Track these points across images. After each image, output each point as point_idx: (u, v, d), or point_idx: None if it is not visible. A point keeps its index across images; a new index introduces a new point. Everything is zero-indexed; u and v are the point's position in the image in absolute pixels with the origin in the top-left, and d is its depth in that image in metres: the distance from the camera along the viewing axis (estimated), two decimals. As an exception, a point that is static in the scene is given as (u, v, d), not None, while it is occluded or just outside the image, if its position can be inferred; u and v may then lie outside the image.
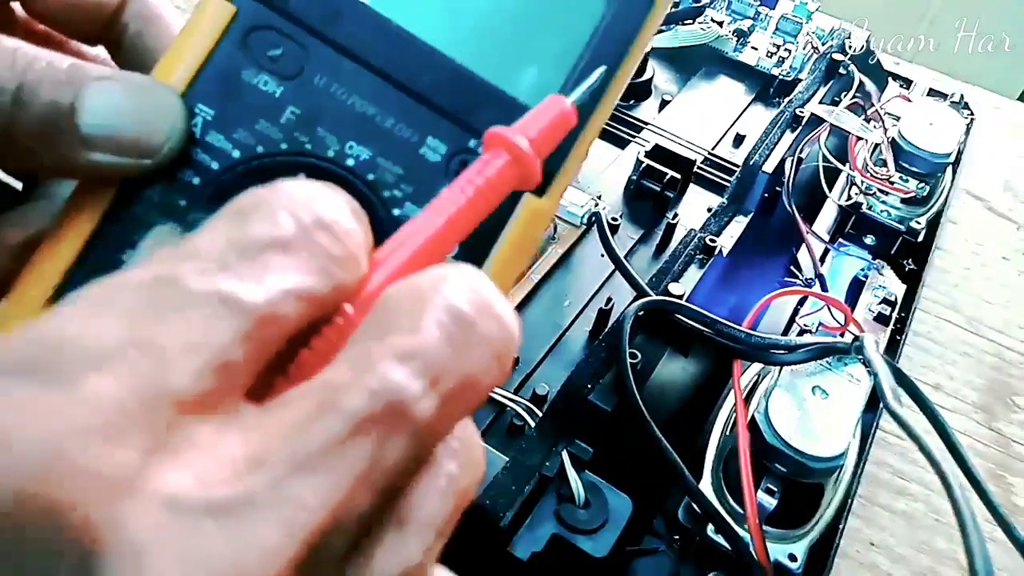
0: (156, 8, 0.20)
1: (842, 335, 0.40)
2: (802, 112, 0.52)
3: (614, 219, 0.45)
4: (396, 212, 0.18)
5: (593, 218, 0.44)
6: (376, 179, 0.18)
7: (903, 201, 0.52)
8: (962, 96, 0.62)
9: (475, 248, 0.18)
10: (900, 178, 0.52)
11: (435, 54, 0.18)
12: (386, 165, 0.18)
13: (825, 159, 0.51)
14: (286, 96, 0.18)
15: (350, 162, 0.18)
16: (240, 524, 0.11)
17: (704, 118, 0.57)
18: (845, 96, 0.56)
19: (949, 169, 0.54)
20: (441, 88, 0.18)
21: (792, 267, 0.49)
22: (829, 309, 0.43)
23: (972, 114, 0.61)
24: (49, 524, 0.10)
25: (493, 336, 0.13)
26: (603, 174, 0.50)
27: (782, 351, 0.36)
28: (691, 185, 0.50)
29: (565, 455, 0.32)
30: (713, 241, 0.43)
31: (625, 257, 0.42)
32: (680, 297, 0.38)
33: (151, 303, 0.12)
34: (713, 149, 0.54)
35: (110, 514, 0.10)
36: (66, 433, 0.10)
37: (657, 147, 0.49)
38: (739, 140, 0.55)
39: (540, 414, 0.35)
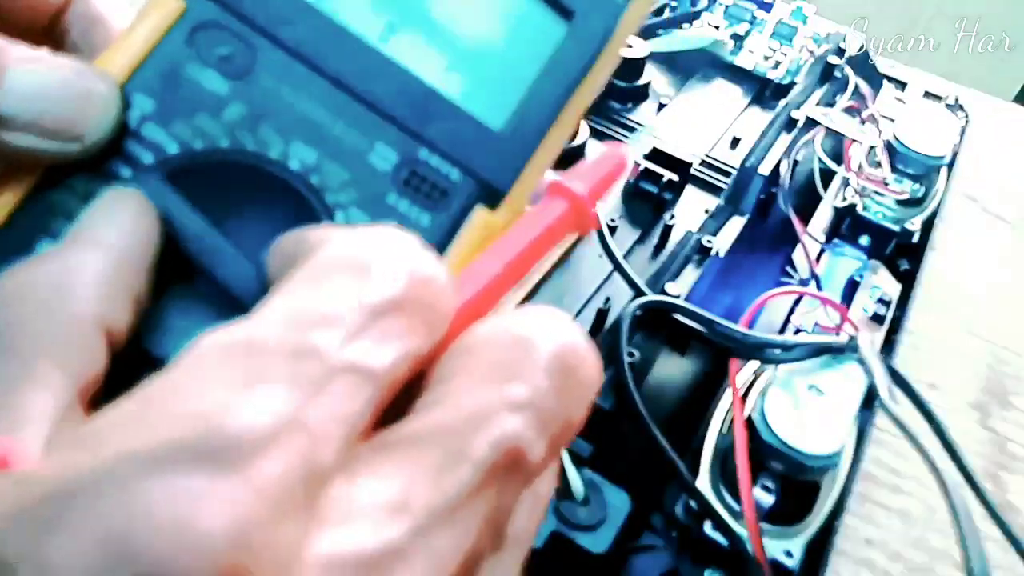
0: (100, 10, 0.20)
1: (838, 334, 0.41)
2: (797, 115, 0.53)
3: (612, 220, 0.45)
4: (340, 217, 0.17)
5: (591, 220, 0.44)
6: (320, 183, 0.17)
7: (898, 202, 0.52)
8: (957, 98, 0.62)
9: None
10: (895, 179, 0.53)
11: (389, 63, 0.18)
12: (332, 169, 0.17)
13: (820, 161, 0.52)
14: (231, 94, 0.17)
15: (294, 164, 0.17)
16: (387, 574, 0.11)
17: (701, 121, 0.57)
18: (840, 99, 0.56)
19: (944, 170, 0.55)
20: (394, 98, 0.18)
21: (788, 267, 0.50)
22: (824, 309, 0.44)
23: (967, 116, 0.62)
24: None
25: (589, 381, 0.14)
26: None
27: (778, 350, 0.37)
28: (688, 187, 0.50)
29: (564, 452, 0.32)
30: (710, 242, 0.44)
31: (623, 258, 0.42)
32: (677, 297, 0.39)
33: (296, 379, 0.12)
34: (710, 151, 0.54)
35: None
36: (245, 521, 0.11)
37: (655, 150, 0.50)
38: (735, 143, 0.55)
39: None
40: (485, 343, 0.14)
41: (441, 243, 0.18)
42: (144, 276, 0.15)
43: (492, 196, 0.18)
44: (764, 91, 0.61)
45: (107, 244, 0.15)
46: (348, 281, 0.13)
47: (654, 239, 0.46)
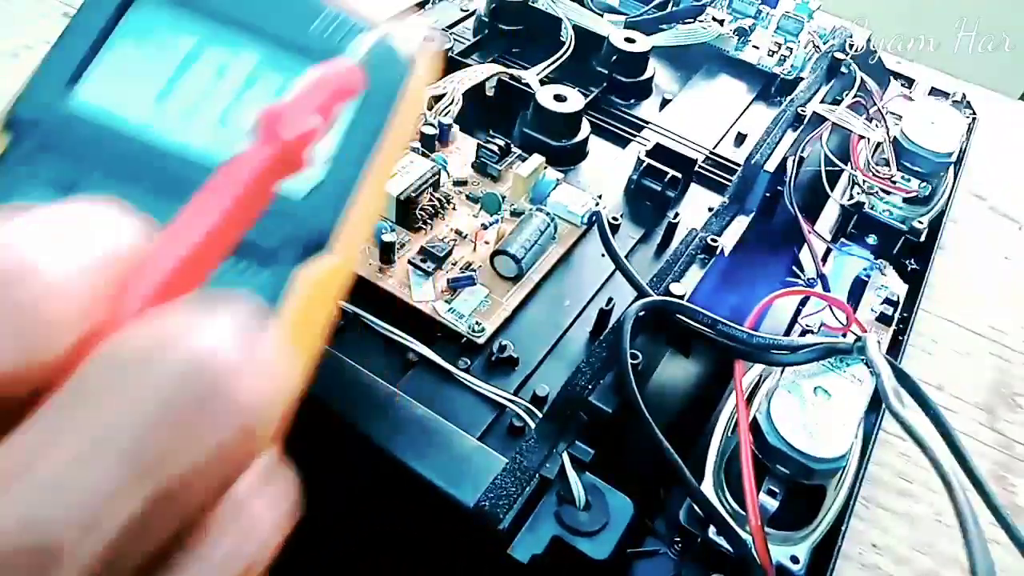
0: None
1: (844, 335, 0.40)
2: (804, 111, 0.52)
3: (615, 219, 0.44)
4: None
5: (594, 218, 0.44)
6: None
7: (905, 201, 0.52)
8: (964, 95, 0.62)
9: None
10: (902, 177, 0.52)
11: (198, 164, 0.20)
12: None
13: (827, 158, 0.51)
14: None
15: None
16: None
17: (705, 117, 0.56)
18: (847, 95, 0.55)
19: (951, 169, 0.54)
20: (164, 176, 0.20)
21: (794, 267, 0.49)
22: (831, 309, 0.43)
23: (974, 113, 0.61)
24: None
25: (224, 427, 0.10)
26: (604, 173, 0.50)
27: (784, 351, 0.36)
28: (692, 184, 0.50)
29: (565, 456, 0.32)
30: (714, 241, 0.43)
31: (626, 257, 0.42)
32: (681, 297, 0.38)
33: None
34: (714, 148, 0.53)
35: None
36: None
37: (658, 146, 0.49)
38: (740, 139, 0.54)
39: (540, 415, 0.34)
40: (93, 362, 0.10)
41: (274, 299, 0.20)
42: None
43: (317, 247, 0.20)
44: (769, 87, 0.60)
45: None
46: None
47: (657, 238, 0.45)
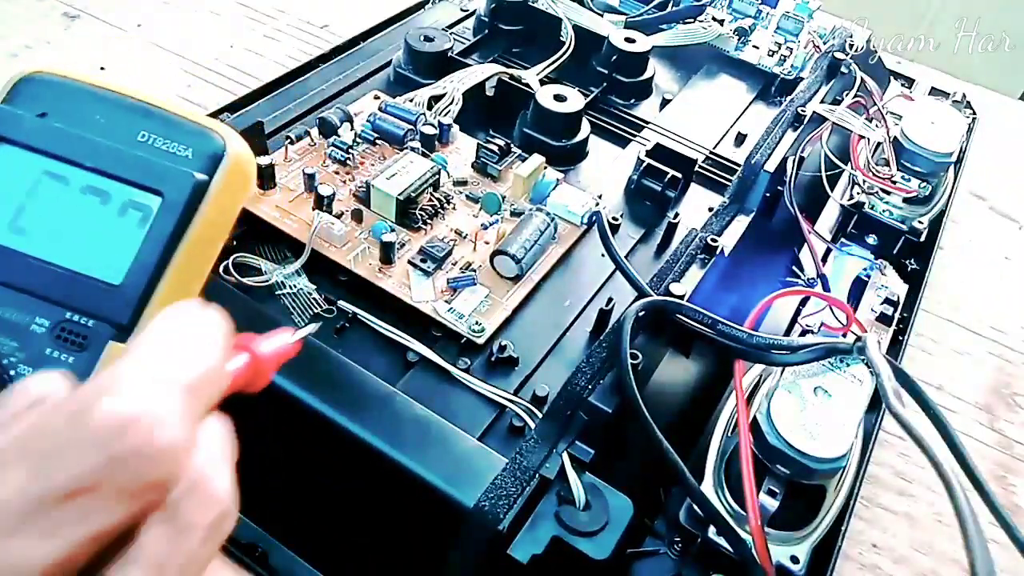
0: None
1: (844, 335, 0.40)
2: (804, 111, 0.52)
3: (615, 218, 0.44)
4: (12, 372, 0.25)
5: (594, 218, 0.44)
6: None
7: (905, 201, 0.52)
8: (964, 95, 0.62)
9: None
10: (902, 177, 0.52)
11: (33, 261, 0.26)
12: (4, 342, 0.25)
13: (827, 158, 0.51)
14: None
15: None
16: None
17: (705, 117, 0.56)
18: (847, 95, 0.55)
19: (951, 168, 0.54)
20: (44, 283, 0.26)
21: (794, 267, 0.49)
22: (831, 309, 0.43)
23: (974, 113, 0.61)
24: None
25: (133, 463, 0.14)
26: (604, 173, 0.50)
27: (784, 351, 0.36)
28: (692, 184, 0.50)
29: (565, 456, 0.32)
30: (715, 240, 0.43)
31: (626, 257, 0.42)
32: (681, 297, 0.38)
33: None
34: (714, 148, 0.53)
35: None
36: None
37: (658, 146, 0.49)
38: (740, 139, 0.54)
39: (540, 415, 0.34)
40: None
41: (84, 375, 0.24)
42: None
43: (123, 332, 0.25)
44: (769, 86, 0.60)
45: None
46: (28, 467, 0.13)
47: (657, 238, 0.45)
